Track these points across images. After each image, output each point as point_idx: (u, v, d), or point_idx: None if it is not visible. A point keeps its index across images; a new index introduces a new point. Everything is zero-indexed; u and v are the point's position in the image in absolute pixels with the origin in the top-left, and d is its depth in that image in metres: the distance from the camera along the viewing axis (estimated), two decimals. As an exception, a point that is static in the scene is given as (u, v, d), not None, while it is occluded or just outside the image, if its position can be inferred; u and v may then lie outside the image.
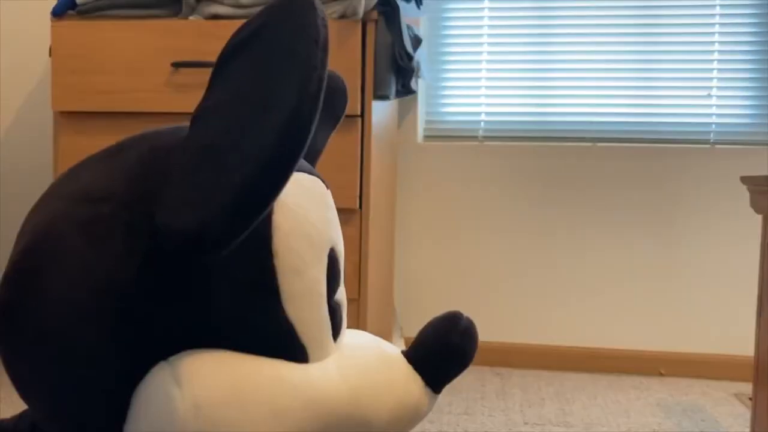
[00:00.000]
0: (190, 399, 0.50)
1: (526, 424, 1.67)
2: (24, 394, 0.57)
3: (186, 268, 0.53)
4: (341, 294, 0.64)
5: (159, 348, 0.52)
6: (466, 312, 0.72)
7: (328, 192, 0.64)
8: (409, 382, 0.62)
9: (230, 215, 0.49)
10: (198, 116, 0.54)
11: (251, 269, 0.55)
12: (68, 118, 1.74)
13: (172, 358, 0.52)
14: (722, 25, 2.12)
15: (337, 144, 1.64)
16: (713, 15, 2.13)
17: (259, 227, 0.53)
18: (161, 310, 0.52)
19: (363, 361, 0.62)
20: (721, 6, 2.12)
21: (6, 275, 0.56)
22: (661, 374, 2.10)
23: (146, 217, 0.52)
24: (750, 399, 1.51)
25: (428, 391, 0.63)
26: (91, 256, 0.52)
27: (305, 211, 0.58)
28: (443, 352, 0.64)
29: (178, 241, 0.50)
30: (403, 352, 0.65)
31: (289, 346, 0.56)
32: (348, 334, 0.65)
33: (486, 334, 2.18)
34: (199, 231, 0.49)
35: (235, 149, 0.49)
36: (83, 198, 0.55)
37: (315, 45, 0.50)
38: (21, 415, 0.65)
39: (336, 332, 0.61)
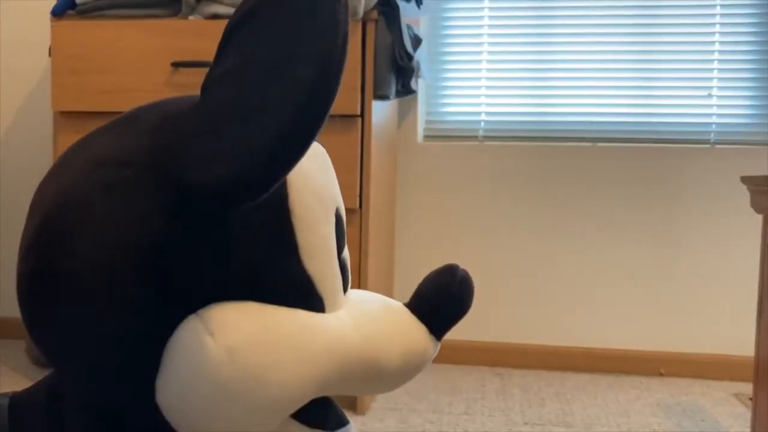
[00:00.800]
0: (223, 346, 0.52)
1: (526, 424, 1.67)
2: (55, 359, 0.58)
3: (210, 227, 0.54)
4: (346, 253, 0.68)
5: (188, 302, 0.54)
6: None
7: (327, 155, 0.67)
8: (414, 329, 0.66)
9: (267, 164, 0.51)
10: (212, 81, 0.54)
11: (272, 225, 0.57)
12: (68, 118, 1.74)
13: (201, 311, 0.54)
14: (722, 25, 2.12)
15: (337, 144, 1.65)
16: (713, 15, 2.13)
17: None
18: (188, 267, 0.54)
19: (371, 311, 0.66)
20: (721, 6, 2.12)
21: (30, 244, 0.56)
22: (661, 374, 2.10)
23: (168, 177, 0.54)
24: (750, 399, 1.51)
25: (432, 338, 0.67)
26: (119, 216, 0.53)
27: (313, 171, 0.61)
28: (444, 302, 0.68)
29: (212, 194, 0.52)
30: (405, 304, 0.69)
31: (307, 298, 0.59)
32: (352, 292, 0.69)
33: (486, 334, 2.20)
34: (235, 181, 0.51)
35: (263, 102, 0.51)
36: (102, 164, 0.56)
37: (338, 2, 0.52)
38: (35, 387, 0.66)
39: (345, 286, 0.65)
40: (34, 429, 0.60)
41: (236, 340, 0.53)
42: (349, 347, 0.60)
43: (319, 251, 0.60)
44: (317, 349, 0.57)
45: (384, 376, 0.63)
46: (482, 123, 2.23)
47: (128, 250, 0.53)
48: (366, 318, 0.64)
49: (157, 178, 0.54)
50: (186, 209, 0.53)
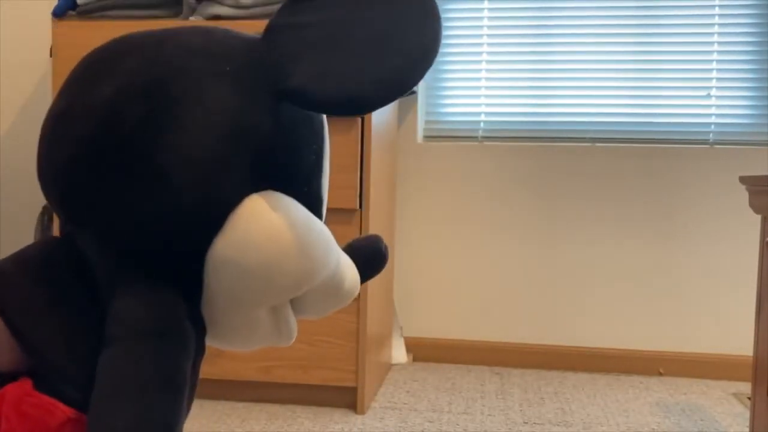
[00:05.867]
0: (284, 218, 0.61)
1: (525, 423, 1.68)
2: (106, 215, 0.60)
3: (287, 131, 0.64)
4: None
5: (259, 186, 0.62)
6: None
7: None
8: (356, 270, 0.77)
9: (384, 93, 0.59)
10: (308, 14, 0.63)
11: (318, 145, 0.68)
12: (69, 118, 1.74)
13: (263, 192, 0.62)
14: (721, 25, 2.13)
15: (337, 144, 1.66)
16: (712, 15, 2.13)
17: None
18: (270, 158, 0.63)
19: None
20: (720, 6, 2.12)
21: (118, 113, 0.58)
22: (660, 374, 2.11)
23: (268, 77, 0.61)
24: (749, 398, 1.51)
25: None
26: (230, 101, 0.60)
27: None
28: (378, 258, 0.81)
29: (333, 104, 0.60)
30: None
31: (315, 213, 0.69)
32: None
33: (486, 333, 2.21)
34: (357, 100, 0.59)
35: (395, 41, 0.60)
36: (201, 53, 0.62)
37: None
38: (11, 259, 0.65)
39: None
40: (39, 290, 0.61)
41: (292, 217, 0.62)
42: (341, 258, 0.71)
43: (326, 180, 0.70)
44: (332, 245, 0.68)
45: (339, 294, 0.72)
46: (482, 123, 2.24)
47: (237, 131, 0.60)
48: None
49: (257, 75, 0.61)
50: (279, 109, 0.62)
